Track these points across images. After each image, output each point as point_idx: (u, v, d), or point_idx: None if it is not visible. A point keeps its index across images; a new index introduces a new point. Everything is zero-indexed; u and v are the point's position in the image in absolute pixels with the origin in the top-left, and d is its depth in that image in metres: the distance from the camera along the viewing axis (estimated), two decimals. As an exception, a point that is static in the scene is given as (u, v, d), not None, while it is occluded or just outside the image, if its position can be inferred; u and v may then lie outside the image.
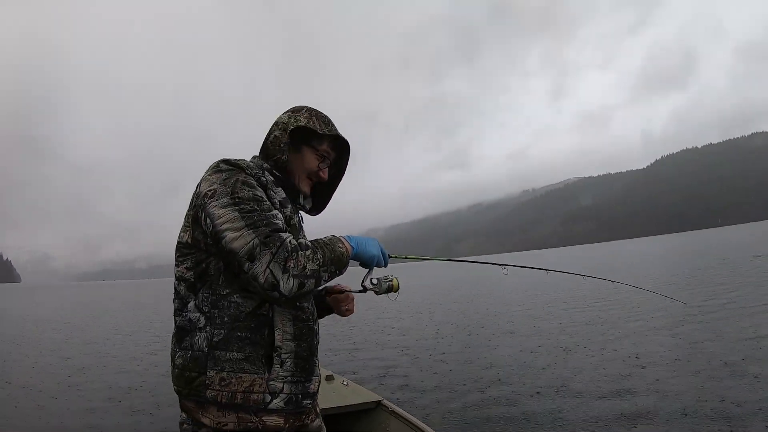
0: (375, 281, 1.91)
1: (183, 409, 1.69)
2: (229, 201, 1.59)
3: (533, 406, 6.10)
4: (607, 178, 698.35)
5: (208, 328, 1.62)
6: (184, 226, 1.71)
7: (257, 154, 1.92)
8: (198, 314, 1.64)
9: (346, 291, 2.05)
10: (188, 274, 1.67)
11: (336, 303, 2.05)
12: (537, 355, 8.98)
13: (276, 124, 1.89)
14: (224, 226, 1.56)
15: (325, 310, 2.09)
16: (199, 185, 1.69)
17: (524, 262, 2.79)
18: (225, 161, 1.71)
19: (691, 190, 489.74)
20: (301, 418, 1.76)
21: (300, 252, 1.57)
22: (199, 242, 1.65)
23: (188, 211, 1.71)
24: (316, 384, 1.81)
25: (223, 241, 1.55)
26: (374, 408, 4.24)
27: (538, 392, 6.63)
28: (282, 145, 1.84)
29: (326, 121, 1.90)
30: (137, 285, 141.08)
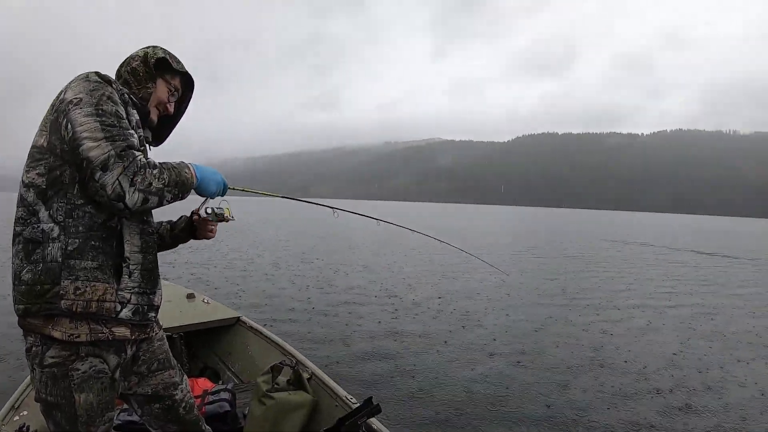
0: (209, 210, 2.02)
1: (28, 330, 1.66)
2: (93, 111, 1.61)
3: (371, 325, 7.63)
4: (469, 144, 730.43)
5: (62, 238, 1.62)
6: (40, 130, 1.69)
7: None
8: (52, 224, 1.63)
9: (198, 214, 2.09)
10: (39, 180, 1.64)
11: (204, 224, 2.12)
12: (371, 284, 11.06)
13: (132, 57, 1.96)
14: (84, 134, 1.58)
15: (185, 232, 2.17)
16: (64, 91, 1.68)
17: (364, 211, 2.96)
18: (96, 73, 1.74)
19: (543, 170, 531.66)
20: (146, 331, 1.85)
21: (148, 169, 1.61)
22: (55, 148, 1.63)
23: (47, 115, 1.68)
24: (160, 297, 1.88)
25: (81, 148, 1.57)
26: (233, 324, 4.31)
27: (371, 313, 8.43)
28: (141, 75, 1.93)
29: (177, 60, 2.05)
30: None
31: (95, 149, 1.55)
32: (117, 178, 1.55)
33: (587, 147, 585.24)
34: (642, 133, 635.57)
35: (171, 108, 2.04)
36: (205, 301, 4.79)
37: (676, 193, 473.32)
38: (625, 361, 6.47)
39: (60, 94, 1.69)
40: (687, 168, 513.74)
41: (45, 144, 1.64)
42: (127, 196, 1.56)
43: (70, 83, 1.69)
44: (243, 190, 2.22)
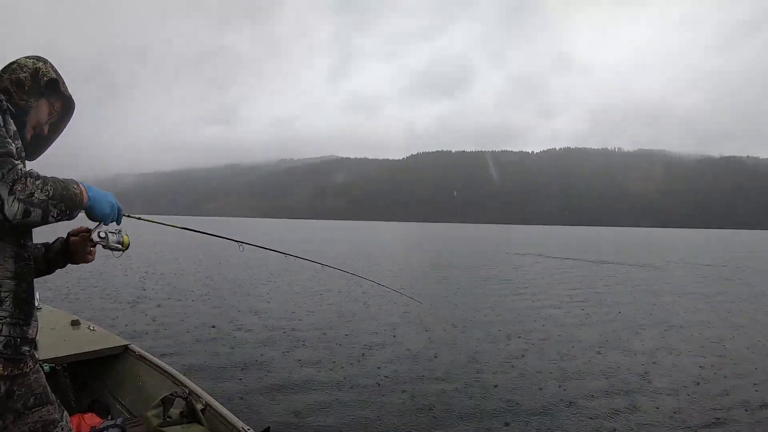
0: (103, 235, 1.86)
1: None
2: None
3: (266, 353, 7.63)
4: (364, 161, 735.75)
5: None
6: None
7: None
8: None
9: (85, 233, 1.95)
10: None
11: (82, 245, 1.96)
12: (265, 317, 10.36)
13: (20, 65, 1.84)
14: None
15: (61, 255, 2.01)
16: None
17: (264, 243, 2.93)
18: None
19: (438, 186, 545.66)
20: (20, 366, 1.65)
21: (30, 179, 1.47)
22: None
23: None
24: (35, 330, 1.73)
25: None
26: (121, 353, 4.09)
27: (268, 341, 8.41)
28: (27, 88, 1.82)
29: (64, 82, 1.96)
30: None
31: None
32: None
33: (479, 163, 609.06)
34: (532, 151, 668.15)
35: (46, 130, 1.94)
36: (91, 328, 4.53)
37: (565, 207, 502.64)
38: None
39: None
40: (576, 183, 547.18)
41: None
42: (6, 206, 1.41)
43: None
44: (139, 218, 2.11)
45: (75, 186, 1.61)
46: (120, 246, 1.91)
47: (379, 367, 7.06)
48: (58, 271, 2.03)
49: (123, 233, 1.91)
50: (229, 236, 2.71)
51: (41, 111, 1.88)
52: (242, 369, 6.73)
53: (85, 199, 1.65)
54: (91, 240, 1.88)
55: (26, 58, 1.88)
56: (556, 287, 16.16)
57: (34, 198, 1.46)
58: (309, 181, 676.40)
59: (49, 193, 1.50)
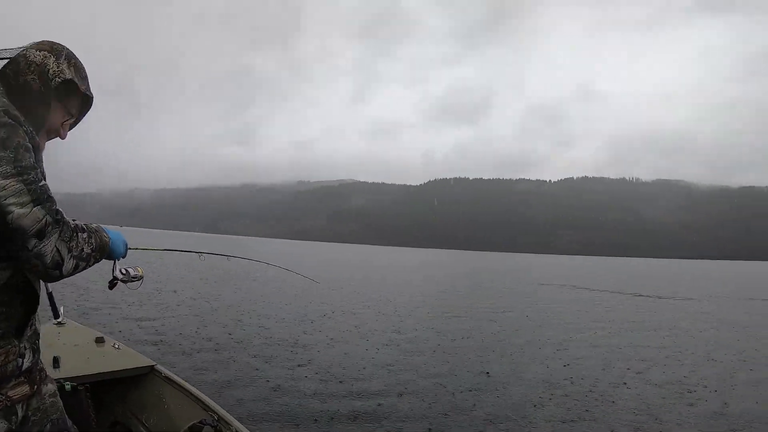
0: (124, 271, 2.00)
1: None
2: (13, 170, 1.37)
3: (301, 378, 7.58)
4: (382, 186, 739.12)
5: None
6: None
7: None
8: None
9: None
10: None
11: None
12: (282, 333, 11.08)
13: (28, 63, 1.56)
14: (9, 200, 1.36)
15: None
16: None
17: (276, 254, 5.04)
18: (5, 111, 1.43)
19: (455, 213, 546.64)
20: (34, 386, 1.62)
21: (80, 233, 1.52)
22: None
23: None
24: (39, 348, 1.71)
25: (9, 216, 1.35)
26: (147, 373, 3.92)
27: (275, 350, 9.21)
28: (35, 93, 1.56)
29: (84, 75, 1.69)
30: None
31: (28, 216, 1.36)
32: (55, 246, 1.41)
33: (497, 191, 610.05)
34: (549, 180, 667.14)
35: (65, 134, 1.72)
36: (116, 346, 4.31)
37: (582, 237, 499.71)
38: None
39: None
40: (593, 213, 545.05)
41: None
42: (65, 264, 1.44)
43: None
44: (144, 249, 2.27)
45: (104, 234, 1.66)
46: (138, 278, 2.05)
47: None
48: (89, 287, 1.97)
49: (138, 268, 2.06)
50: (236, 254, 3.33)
51: (54, 116, 1.64)
52: (275, 395, 6.53)
53: (109, 244, 1.70)
54: (115, 278, 1.97)
55: (37, 48, 1.59)
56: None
57: (83, 253, 1.52)
58: (325, 203, 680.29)
59: (93, 246, 1.57)
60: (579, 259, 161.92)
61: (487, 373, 8.47)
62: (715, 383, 8.42)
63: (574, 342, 11.47)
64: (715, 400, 7.48)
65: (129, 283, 2.02)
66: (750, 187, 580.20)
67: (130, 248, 1.97)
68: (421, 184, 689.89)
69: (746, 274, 75.25)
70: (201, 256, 2.77)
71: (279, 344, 9.54)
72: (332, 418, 5.84)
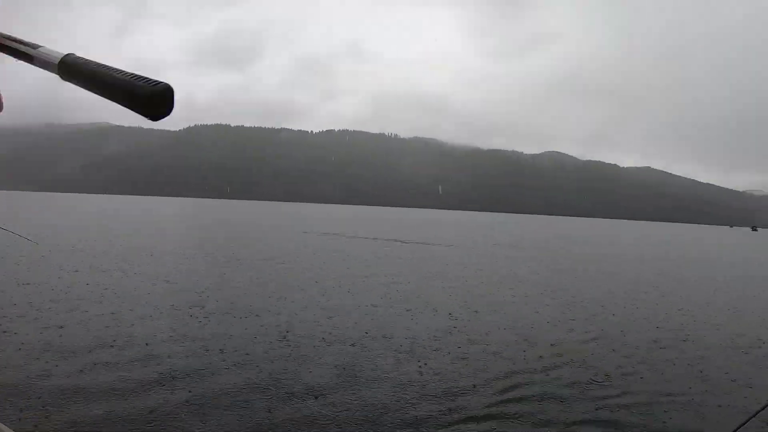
0: None
1: None
2: None
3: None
4: (139, 131, 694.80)
5: None
6: None
7: None
8: None
9: None
10: None
11: None
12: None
13: None
14: None
15: None
16: None
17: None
18: None
19: (215, 161, 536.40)
20: None
21: None
22: None
23: None
24: None
25: None
26: None
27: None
28: None
29: None
30: None
31: None
32: None
33: (257, 138, 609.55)
34: (312, 131, 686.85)
35: None
36: None
37: (343, 186, 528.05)
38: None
39: None
40: (353, 164, 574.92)
41: None
42: None
43: None
44: None
45: None
46: None
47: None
48: None
49: None
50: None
51: None
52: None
53: None
54: None
55: None
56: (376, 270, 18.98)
57: None
58: (79, 150, 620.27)
59: None
60: (338, 208, 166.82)
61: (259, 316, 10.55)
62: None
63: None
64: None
65: None
66: (497, 149, 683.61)
67: None
68: (180, 130, 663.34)
69: (491, 224, 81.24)
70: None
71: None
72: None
